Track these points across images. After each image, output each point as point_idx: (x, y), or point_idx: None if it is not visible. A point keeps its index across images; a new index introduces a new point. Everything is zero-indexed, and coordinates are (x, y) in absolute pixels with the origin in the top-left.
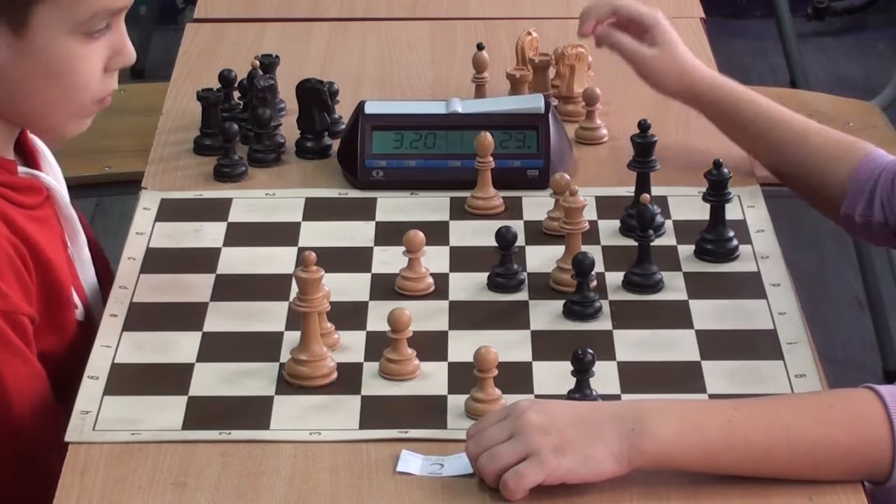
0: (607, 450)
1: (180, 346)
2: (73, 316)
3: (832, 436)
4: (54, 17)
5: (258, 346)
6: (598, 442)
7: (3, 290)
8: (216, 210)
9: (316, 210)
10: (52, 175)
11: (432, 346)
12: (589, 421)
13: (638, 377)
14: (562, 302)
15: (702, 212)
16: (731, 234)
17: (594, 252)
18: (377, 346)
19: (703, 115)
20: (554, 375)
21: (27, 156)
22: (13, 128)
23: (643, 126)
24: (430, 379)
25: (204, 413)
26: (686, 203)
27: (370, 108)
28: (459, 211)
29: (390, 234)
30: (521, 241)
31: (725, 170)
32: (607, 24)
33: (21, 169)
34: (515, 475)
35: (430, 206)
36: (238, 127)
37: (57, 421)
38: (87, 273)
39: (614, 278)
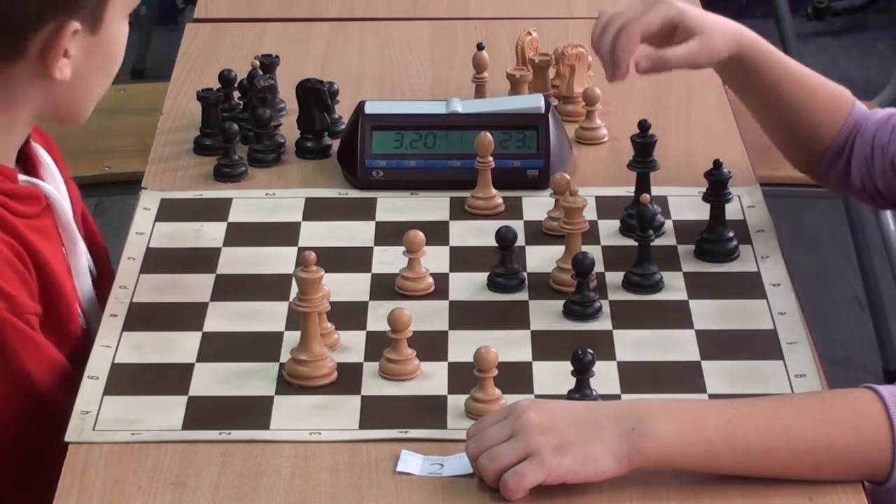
0: (607, 450)
1: (180, 346)
2: (77, 324)
3: (832, 436)
4: (123, 4)
5: (258, 346)
6: (598, 442)
7: (10, 292)
8: (216, 210)
9: (316, 210)
10: (54, 185)
11: (432, 346)
12: (589, 421)
13: (638, 377)
14: (562, 302)
15: (702, 212)
16: (731, 234)
17: (594, 252)
18: (377, 346)
19: (725, 76)
20: (554, 375)
21: (28, 165)
22: (20, 136)
23: (643, 126)
24: (430, 379)
25: (204, 413)
26: (686, 203)
27: (370, 108)
28: (459, 211)
29: (390, 234)
30: (521, 241)
31: (725, 170)
32: (640, 53)
33: (21, 177)
34: (515, 475)
35: (430, 206)
36: (238, 127)
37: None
38: (84, 284)
39: (614, 278)
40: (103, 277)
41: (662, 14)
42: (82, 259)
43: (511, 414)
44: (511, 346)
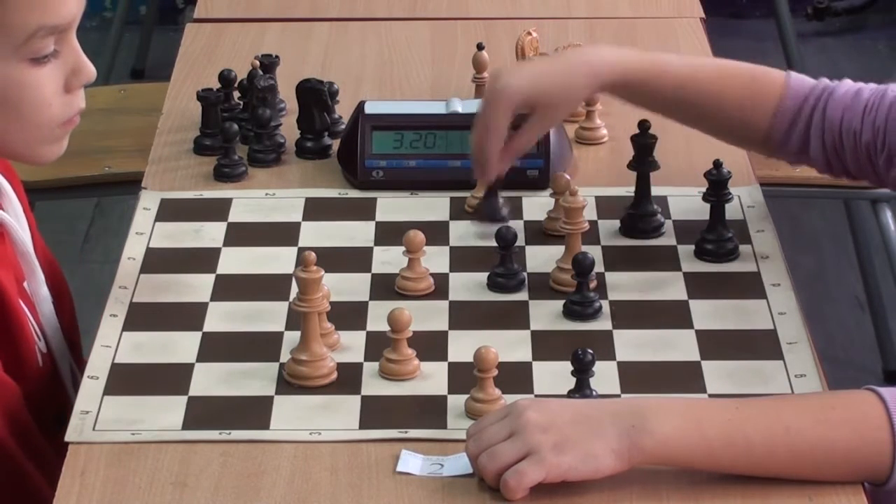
0: (607, 447)
1: (180, 346)
2: (35, 353)
3: (832, 437)
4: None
5: (258, 346)
6: (599, 439)
7: None
8: (216, 210)
9: (316, 210)
10: (13, 212)
11: (432, 346)
12: (589, 418)
13: (638, 377)
14: (562, 302)
15: (702, 212)
16: (731, 234)
17: (594, 252)
18: (377, 346)
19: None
20: (554, 375)
21: None
22: None
23: (643, 126)
24: (430, 379)
25: (204, 413)
26: (686, 203)
27: (370, 109)
28: (459, 211)
29: (390, 234)
30: (521, 241)
31: (725, 170)
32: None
33: None
34: (516, 474)
35: (430, 206)
36: (238, 127)
37: (32, 434)
38: (44, 309)
39: (614, 278)
40: (62, 303)
41: (506, 106)
42: (43, 287)
43: (511, 413)
44: (511, 346)
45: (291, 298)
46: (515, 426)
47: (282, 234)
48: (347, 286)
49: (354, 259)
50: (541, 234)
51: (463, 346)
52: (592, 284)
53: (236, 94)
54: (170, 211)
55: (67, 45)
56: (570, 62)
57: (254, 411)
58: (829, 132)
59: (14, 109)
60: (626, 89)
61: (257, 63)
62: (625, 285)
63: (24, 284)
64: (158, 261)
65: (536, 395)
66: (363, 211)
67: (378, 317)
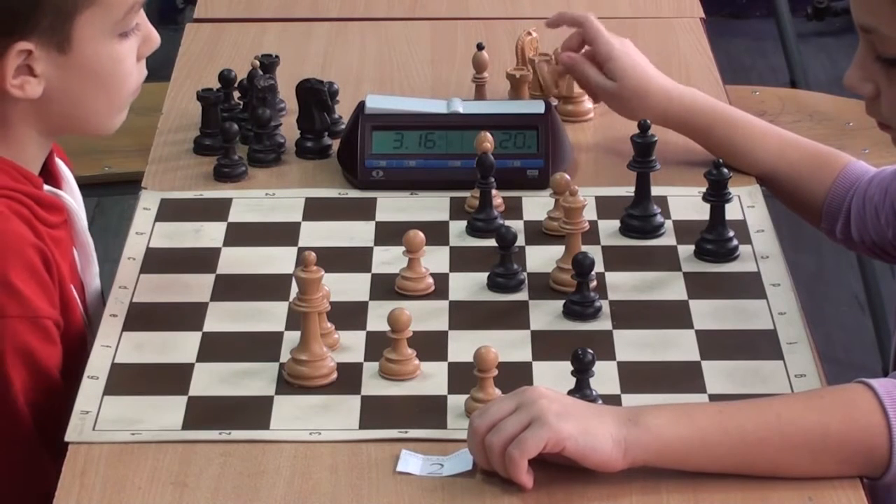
0: (607, 432)
1: (180, 346)
2: (85, 335)
3: (825, 422)
4: (95, 24)
5: (258, 346)
6: (599, 423)
7: (26, 294)
8: (216, 210)
9: (316, 210)
10: (75, 200)
11: (432, 346)
12: (591, 406)
13: (638, 377)
14: (562, 302)
15: (702, 212)
16: (731, 234)
17: (594, 252)
18: (377, 346)
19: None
20: (554, 375)
21: (50, 178)
22: (45, 146)
23: (643, 126)
24: (430, 379)
25: (204, 413)
26: (686, 203)
27: (371, 103)
28: (459, 211)
29: (390, 234)
30: (521, 241)
31: (725, 170)
32: (582, 52)
33: (46, 187)
34: (518, 444)
35: (430, 206)
36: (238, 127)
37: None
38: (94, 300)
39: (614, 278)
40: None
41: (597, 41)
42: (96, 279)
43: (517, 392)
44: (511, 346)
45: (291, 298)
46: (522, 399)
47: (282, 234)
48: (347, 286)
49: (354, 259)
50: (541, 234)
51: (463, 346)
52: (592, 284)
53: (236, 94)
54: (170, 211)
55: (140, 16)
56: (639, 86)
57: (254, 411)
58: (856, 206)
59: (105, 83)
60: (666, 124)
61: (257, 63)
62: (625, 285)
63: (79, 274)
64: (158, 261)
65: None
66: (363, 211)
67: (378, 317)
